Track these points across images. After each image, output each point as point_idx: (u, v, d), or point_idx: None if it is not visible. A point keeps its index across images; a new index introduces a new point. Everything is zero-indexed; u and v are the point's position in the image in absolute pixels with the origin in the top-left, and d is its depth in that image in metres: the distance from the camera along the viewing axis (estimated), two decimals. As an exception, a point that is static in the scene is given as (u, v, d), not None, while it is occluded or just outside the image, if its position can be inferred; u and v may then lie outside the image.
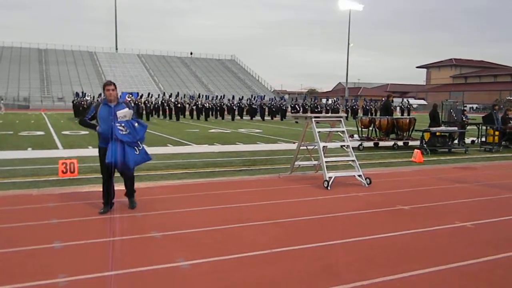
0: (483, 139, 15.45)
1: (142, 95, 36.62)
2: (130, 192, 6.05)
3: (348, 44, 71.42)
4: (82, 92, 36.09)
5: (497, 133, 15.04)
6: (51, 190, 7.16)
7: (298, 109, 33.35)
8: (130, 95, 38.21)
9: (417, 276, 3.90)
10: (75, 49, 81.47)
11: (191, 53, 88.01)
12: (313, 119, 8.24)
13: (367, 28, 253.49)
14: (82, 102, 31.96)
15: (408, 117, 17.73)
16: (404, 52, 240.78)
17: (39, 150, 12.50)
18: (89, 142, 14.70)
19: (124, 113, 5.59)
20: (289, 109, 35.84)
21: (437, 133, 13.67)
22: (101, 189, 5.91)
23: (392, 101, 15.87)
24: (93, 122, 5.80)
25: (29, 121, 27.50)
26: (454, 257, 4.35)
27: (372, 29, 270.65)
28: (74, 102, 33.70)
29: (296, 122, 25.75)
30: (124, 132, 5.51)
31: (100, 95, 38.25)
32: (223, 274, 3.87)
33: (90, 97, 35.89)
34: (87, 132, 19.11)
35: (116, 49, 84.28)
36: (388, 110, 15.25)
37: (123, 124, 5.54)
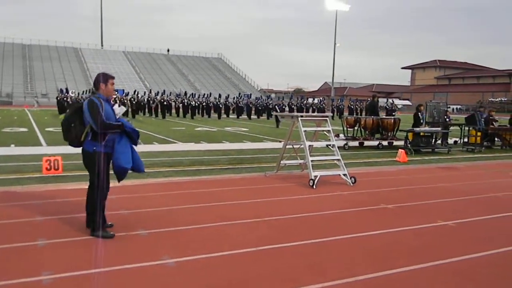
0: (466, 139, 15.71)
1: (128, 92, 36.37)
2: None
3: (335, 44, 71.85)
4: (66, 89, 35.64)
5: (479, 133, 15.30)
6: (35, 187, 7.08)
7: (278, 110, 30.38)
8: (116, 92, 37.97)
9: (401, 273, 3.96)
10: (60, 45, 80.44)
11: (168, 50, 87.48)
12: (299, 118, 8.29)
13: (353, 28, 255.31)
14: (66, 99, 31.55)
15: (393, 117, 17.92)
16: (390, 53, 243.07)
17: (22, 147, 12.32)
18: (73, 139, 14.54)
19: (119, 109, 5.00)
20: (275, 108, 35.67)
21: (421, 134, 13.86)
22: (85, 193, 4.90)
23: (377, 101, 16.05)
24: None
25: (12, 117, 27.07)
26: (437, 255, 4.43)
27: (358, 29, 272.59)
28: (58, 98, 33.26)
29: (277, 126, 23.57)
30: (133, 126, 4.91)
31: (85, 91, 37.90)
32: (209, 272, 3.88)
33: (74, 94, 35.52)
34: (71, 129, 18.90)
35: (102, 45, 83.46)
36: (374, 110, 15.42)
37: (126, 119, 4.98)
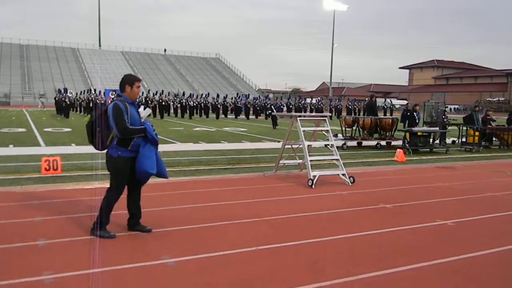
0: (464, 139, 15.76)
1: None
2: (140, 212, 5.00)
3: (333, 44, 71.86)
4: (65, 89, 35.60)
5: (477, 133, 15.35)
6: (35, 187, 7.08)
7: (274, 110, 28.88)
8: (114, 93, 37.91)
9: (400, 272, 3.99)
10: (58, 45, 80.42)
11: (165, 50, 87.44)
12: (298, 118, 8.31)
13: (351, 28, 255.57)
14: (64, 99, 31.48)
15: (391, 117, 17.97)
16: (388, 53, 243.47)
17: (21, 147, 12.32)
18: (72, 140, 14.55)
19: (144, 112, 4.82)
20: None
21: (419, 133, 13.90)
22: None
23: (375, 101, 16.10)
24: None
25: (10, 118, 27.02)
26: (435, 254, 4.45)
27: (356, 29, 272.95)
28: (57, 99, 33.21)
29: (274, 127, 22.85)
30: (155, 132, 4.72)
31: (84, 91, 37.84)
32: (209, 271, 3.89)
33: (72, 94, 35.48)
34: (70, 129, 18.92)
35: (100, 45, 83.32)
36: (373, 110, 15.47)
37: (151, 124, 4.76)
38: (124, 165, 4.59)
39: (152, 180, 7.84)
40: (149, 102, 34.01)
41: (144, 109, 4.87)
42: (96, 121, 4.64)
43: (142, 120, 4.68)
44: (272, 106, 24.27)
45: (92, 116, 4.75)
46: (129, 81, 4.68)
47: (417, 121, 14.42)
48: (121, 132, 4.49)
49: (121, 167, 4.60)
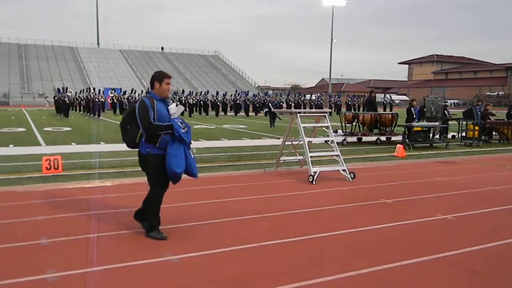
0: (464, 134, 15.77)
1: (125, 91, 36.32)
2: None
3: (332, 40, 71.82)
4: (63, 88, 35.57)
5: (477, 128, 15.36)
6: (36, 187, 7.09)
7: (272, 107, 25.97)
8: (113, 91, 37.90)
9: (402, 266, 4.01)
10: (56, 44, 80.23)
11: (162, 48, 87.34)
12: (298, 115, 8.32)
13: (350, 24, 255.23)
14: (64, 98, 31.46)
15: (390, 112, 17.98)
16: (387, 48, 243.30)
17: (21, 147, 12.33)
18: (72, 139, 14.56)
19: (175, 109, 4.67)
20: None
21: (417, 128, 13.91)
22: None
23: (375, 96, 16.10)
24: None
25: (9, 118, 27.02)
26: (436, 248, 4.47)
27: (355, 25, 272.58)
28: (56, 98, 33.19)
29: (271, 125, 21.51)
30: (184, 130, 4.57)
31: (83, 90, 37.80)
32: (211, 268, 3.91)
33: (72, 93, 35.45)
34: (69, 129, 18.93)
35: (98, 44, 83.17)
36: (372, 105, 15.48)
37: (180, 121, 4.61)
38: (154, 162, 4.54)
39: (153, 178, 7.89)
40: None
41: (176, 106, 4.74)
42: (126, 118, 4.65)
43: (172, 117, 4.58)
44: (270, 104, 22.94)
45: (124, 114, 4.75)
46: (158, 77, 4.63)
47: (414, 116, 14.43)
48: (145, 128, 4.46)
49: (151, 165, 4.57)
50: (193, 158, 4.69)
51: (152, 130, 4.47)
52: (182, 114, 4.90)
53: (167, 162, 4.48)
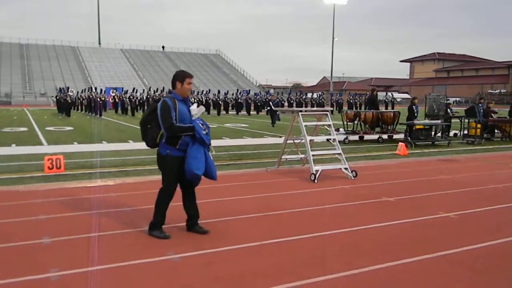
0: (466, 132, 15.74)
1: (126, 90, 36.33)
2: (197, 211, 4.91)
3: (333, 38, 71.71)
4: (67, 87, 35.60)
5: (479, 126, 15.33)
6: (38, 186, 7.11)
7: (272, 106, 23.00)
8: (114, 91, 37.92)
9: (404, 264, 4.00)
10: (57, 43, 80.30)
11: (163, 47, 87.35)
12: (300, 113, 8.31)
13: (352, 22, 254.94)
14: (65, 97, 31.48)
15: (392, 110, 17.96)
16: (388, 47, 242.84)
17: (23, 146, 12.35)
18: (74, 138, 14.58)
19: (197, 110, 4.59)
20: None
21: (419, 126, 13.89)
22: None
23: (376, 95, 16.08)
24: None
25: (11, 117, 27.06)
26: (438, 246, 4.47)
27: (356, 23, 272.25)
28: (57, 97, 33.22)
29: (273, 124, 21.03)
30: (204, 132, 4.50)
31: (84, 90, 37.84)
32: (214, 267, 3.91)
33: (73, 93, 35.50)
34: (71, 128, 18.95)
35: (99, 43, 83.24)
36: (374, 103, 15.45)
37: (201, 122, 4.55)
38: (172, 164, 4.50)
39: (155, 177, 7.88)
40: (150, 99, 34.07)
41: (198, 106, 4.67)
42: (146, 118, 4.62)
43: (193, 118, 4.52)
44: (270, 102, 22.42)
45: (144, 113, 4.69)
46: (180, 77, 4.56)
47: (416, 114, 14.40)
48: (167, 129, 4.40)
49: (169, 166, 4.52)
50: (212, 160, 4.63)
51: (174, 131, 4.41)
52: (202, 113, 4.79)
53: (187, 164, 4.42)
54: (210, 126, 5.15)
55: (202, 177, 4.63)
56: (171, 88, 4.72)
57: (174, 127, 4.39)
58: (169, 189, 4.64)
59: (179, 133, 4.43)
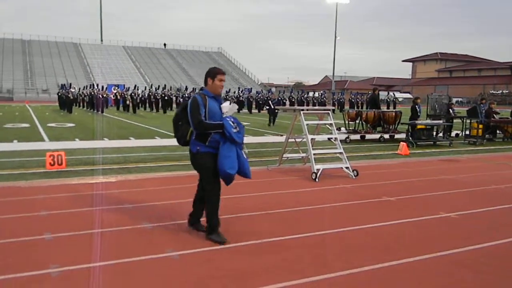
0: (467, 132, 15.72)
1: (128, 87, 36.34)
2: (203, 213, 4.82)
3: (335, 37, 71.64)
4: (70, 84, 35.64)
5: (481, 126, 15.31)
6: (40, 182, 7.12)
7: (272, 104, 21.34)
8: (116, 87, 37.95)
9: (404, 264, 4.00)
10: (60, 40, 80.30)
11: (165, 45, 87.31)
12: (301, 112, 8.31)
13: (354, 21, 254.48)
14: (68, 94, 31.52)
15: (394, 110, 17.95)
16: (391, 46, 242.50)
17: (25, 143, 12.36)
18: (76, 135, 14.60)
19: (228, 107, 4.49)
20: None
21: (420, 126, 13.87)
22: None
23: (378, 94, 16.07)
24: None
25: (13, 113, 27.10)
26: (439, 246, 4.47)
27: (359, 22, 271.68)
28: (59, 94, 33.26)
29: (270, 124, 20.60)
30: (235, 130, 4.40)
31: (86, 86, 37.88)
32: (213, 264, 3.92)
33: (75, 89, 35.52)
34: (73, 124, 18.97)
35: (101, 40, 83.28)
36: (376, 103, 15.44)
37: (232, 120, 4.44)
38: (205, 160, 4.42)
39: (156, 174, 7.90)
40: (152, 97, 34.08)
41: (230, 104, 4.58)
42: (178, 115, 4.58)
43: (224, 116, 4.43)
44: (270, 101, 21.78)
45: (177, 110, 4.68)
46: (211, 74, 4.49)
47: (419, 114, 14.40)
48: (195, 126, 4.35)
49: (202, 163, 4.46)
50: (246, 158, 4.55)
51: (202, 128, 4.35)
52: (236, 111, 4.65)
53: (220, 163, 4.34)
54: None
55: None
56: (203, 85, 4.61)
57: (202, 123, 4.32)
58: (214, 189, 4.52)
59: (207, 130, 4.36)
